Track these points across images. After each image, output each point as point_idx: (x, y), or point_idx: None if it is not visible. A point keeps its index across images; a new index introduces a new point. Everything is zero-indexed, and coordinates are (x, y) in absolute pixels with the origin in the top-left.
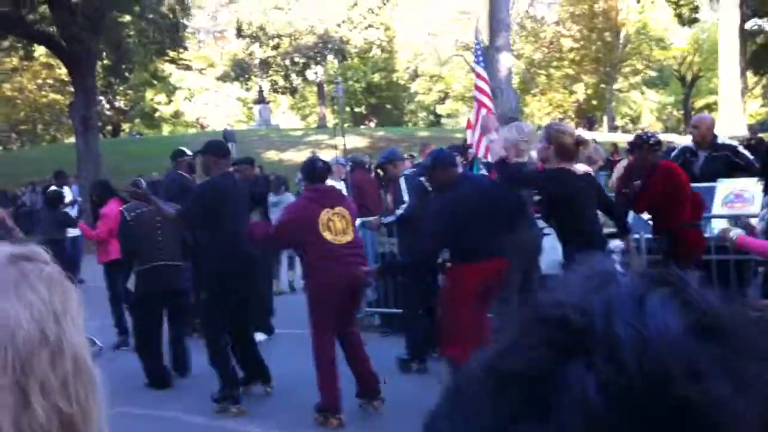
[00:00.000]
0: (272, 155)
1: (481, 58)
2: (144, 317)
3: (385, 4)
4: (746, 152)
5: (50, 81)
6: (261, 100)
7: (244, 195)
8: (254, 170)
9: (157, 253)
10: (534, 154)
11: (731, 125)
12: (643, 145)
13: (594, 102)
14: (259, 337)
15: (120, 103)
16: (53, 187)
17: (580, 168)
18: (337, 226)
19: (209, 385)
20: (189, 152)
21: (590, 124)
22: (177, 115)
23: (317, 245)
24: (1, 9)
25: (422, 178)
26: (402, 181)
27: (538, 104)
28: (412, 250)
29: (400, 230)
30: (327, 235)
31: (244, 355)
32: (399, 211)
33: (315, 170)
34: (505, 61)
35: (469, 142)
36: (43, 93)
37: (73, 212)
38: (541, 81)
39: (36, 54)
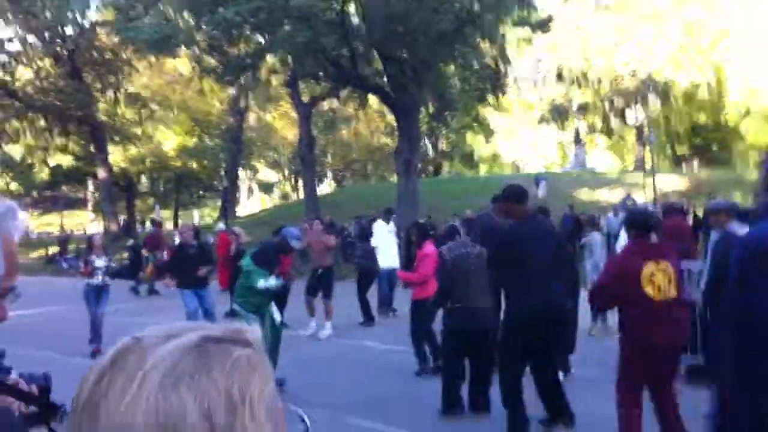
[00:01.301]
0: (583, 195)
1: None
2: (450, 351)
3: (715, 44)
4: None
5: (381, 126)
6: (577, 141)
7: (550, 238)
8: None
9: (470, 294)
10: None
11: None
12: None
13: None
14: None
15: (442, 145)
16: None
17: None
18: (659, 282)
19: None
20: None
21: None
22: (495, 156)
23: (637, 301)
24: (342, 64)
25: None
26: (713, 237)
27: None
28: None
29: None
30: (649, 291)
31: (546, 393)
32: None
33: (646, 221)
34: None
35: None
36: (375, 137)
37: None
38: None
39: (369, 102)
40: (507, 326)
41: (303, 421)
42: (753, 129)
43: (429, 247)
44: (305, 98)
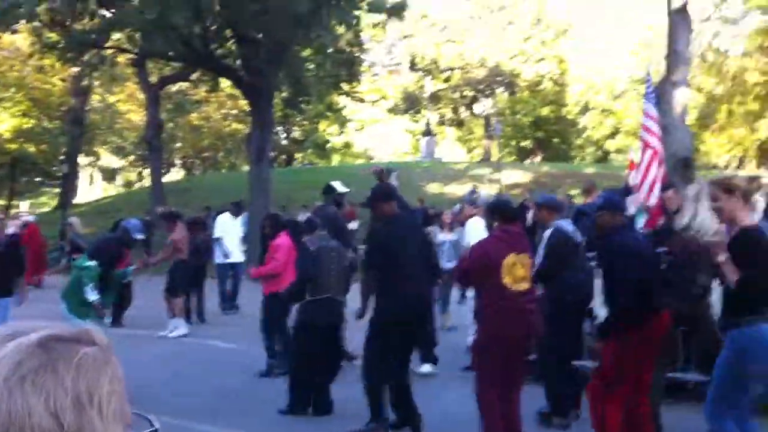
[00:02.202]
0: (434, 188)
1: (652, 96)
2: (303, 345)
3: (558, 37)
4: None
5: (234, 111)
6: (428, 132)
7: (418, 234)
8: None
9: (326, 286)
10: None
11: None
12: None
13: None
14: (426, 368)
15: (296, 134)
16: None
17: None
18: (519, 273)
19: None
20: (340, 189)
21: None
22: (347, 146)
23: (494, 290)
24: (193, 44)
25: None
26: (546, 234)
27: (716, 141)
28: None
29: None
30: (507, 281)
31: (399, 398)
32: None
33: (508, 210)
34: (681, 97)
35: (631, 184)
36: (227, 123)
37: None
38: (721, 117)
39: (222, 86)
40: (379, 323)
41: (152, 425)
42: (591, 123)
43: (282, 239)
44: (153, 79)
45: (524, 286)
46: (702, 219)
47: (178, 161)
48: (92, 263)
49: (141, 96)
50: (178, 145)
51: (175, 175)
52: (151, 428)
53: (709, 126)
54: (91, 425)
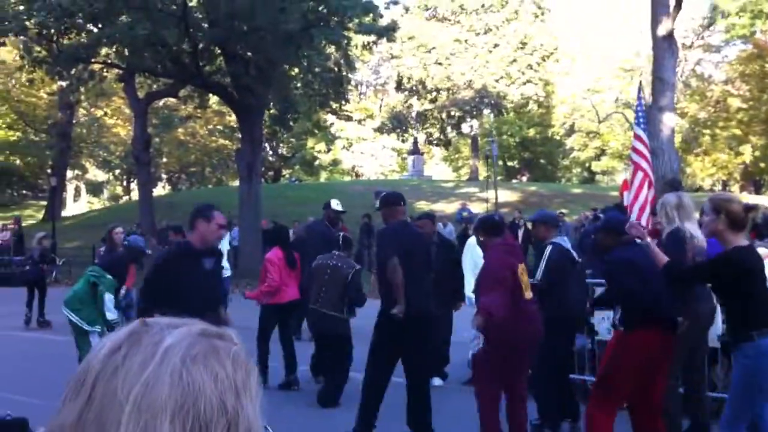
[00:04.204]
0: (422, 205)
1: (641, 119)
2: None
3: (545, 60)
4: None
5: (220, 127)
6: (415, 151)
7: (424, 244)
8: (434, 226)
9: (316, 298)
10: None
11: None
12: None
13: (762, 165)
14: (436, 382)
15: (283, 150)
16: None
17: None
18: (526, 280)
19: None
20: (337, 207)
21: (757, 187)
22: (335, 163)
23: (512, 296)
24: (182, 61)
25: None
26: (548, 249)
27: (700, 164)
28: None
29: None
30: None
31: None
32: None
33: (495, 224)
34: (668, 122)
35: (625, 204)
36: (213, 138)
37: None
38: (704, 141)
39: (209, 102)
40: (382, 330)
41: (267, 430)
42: (577, 145)
43: (273, 253)
44: (141, 94)
45: (530, 294)
46: (688, 225)
47: (163, 176)
48: (109, 277)
49: (127, 110)
50: (164, 160)
51: (161, 190)
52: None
53: (693, 150)
54: (245, 412)
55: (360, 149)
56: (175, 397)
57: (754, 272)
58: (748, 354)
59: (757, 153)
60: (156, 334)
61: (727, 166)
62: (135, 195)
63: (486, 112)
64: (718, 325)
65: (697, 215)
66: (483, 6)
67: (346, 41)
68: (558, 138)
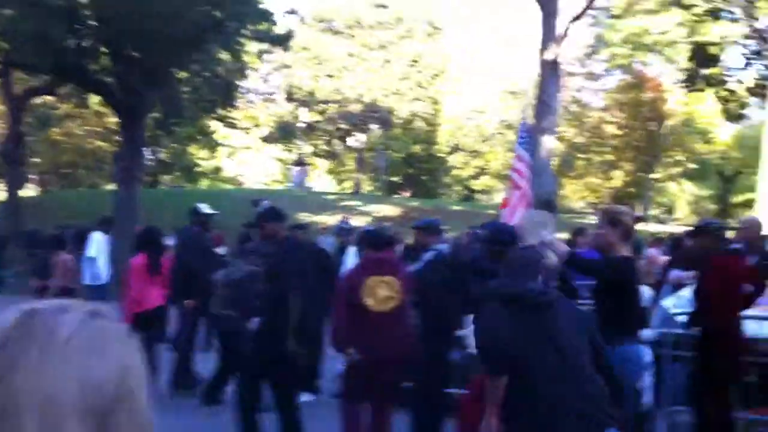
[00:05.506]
0: (304, 217)
1: (524, 139)
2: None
3: (434, 78)
4: None
5: (98, 129)
6: (300, 162)
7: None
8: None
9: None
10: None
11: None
12: (706, 232)
13: (631, 189)
14: (305, 397)
15: (163, 155)
16: (96, 233)
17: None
18: (382, 294)
19: None
20: (206, 211)
21: None
22: (217, 170)
23: (359, 312)
24: (66, 59)
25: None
26: (426, 256)
27: (574, 187)
28: None
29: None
30: (369, 302)
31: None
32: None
33: (377, 238)
34: (548, 144)
35: (503, 220)
36: (89, 140)
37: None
38: (579, 164)
39: (89, 102)
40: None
41: None
42: (459, 163)
43: (136, 259)
44: (17, 90)
45: (389, 306)
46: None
47: (34, 176)
48: None
49: (1, 107)
50: (36, 160)
51: (30, 191)
52: None
53: (568, 172)
54: (138, 389)
55: (243, 158)
56: (77, 390)
57: (633, 282)
58: (615, 359)
59: (627, 178)
60: (47, 323)
61: (599, 189)
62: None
63: (374, 126)
64: None
65: (560, 235)
66: (378, 22)
67: (239, 48)
68: (441, 155)
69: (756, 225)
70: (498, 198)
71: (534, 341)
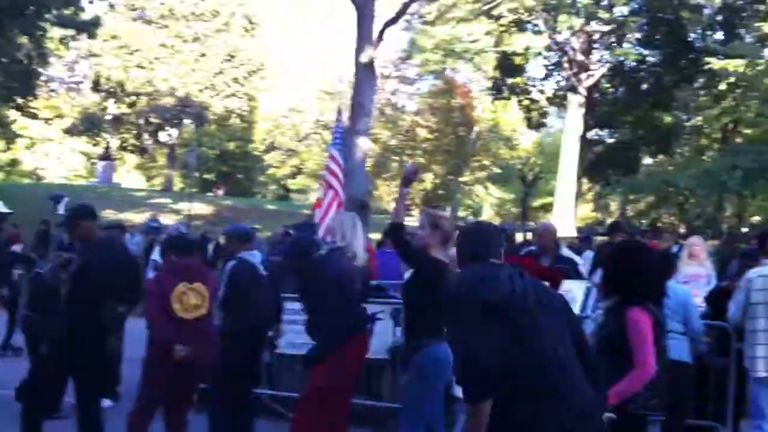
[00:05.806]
0: (110, 214)
1: (338, 141)
2: None
3: (251, 75)
4: (582, 269)
5: None
6: (106, 156)
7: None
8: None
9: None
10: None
11: (563, 226)
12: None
13: (441, 192)
14: (105, 403)
15: None
16: None
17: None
18: (190, 301)
19: None
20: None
21: None
22: (14, 163)
23: (168, 317)
24: None
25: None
26: (230, 265)
27: (387, 189)
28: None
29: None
30: (177, 308)
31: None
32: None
33: (181, 244)
34: (363, 145)
35: (316, 221)
36: None
37: None
38: (393, 167)
39: None
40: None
41: None
42: (275, 162)
43: None
44: None
45: (197, 314)
46: (356, 244)
47: None
48: None
49: None
50: None
51: None
52: None
53: (382, 174)
54: None
55: (44, 150)
56: None
57: (441, 287)
58: (424, 360)
59: (437, 181)
60: None
61: (410, 191)
62: None
63: (187, 121)
64: (388, 338)
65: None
66: (193, 13)
67: (40, 33)
68: (257, 153)
69: (550, 231)
70: (313, 198)
71: None
